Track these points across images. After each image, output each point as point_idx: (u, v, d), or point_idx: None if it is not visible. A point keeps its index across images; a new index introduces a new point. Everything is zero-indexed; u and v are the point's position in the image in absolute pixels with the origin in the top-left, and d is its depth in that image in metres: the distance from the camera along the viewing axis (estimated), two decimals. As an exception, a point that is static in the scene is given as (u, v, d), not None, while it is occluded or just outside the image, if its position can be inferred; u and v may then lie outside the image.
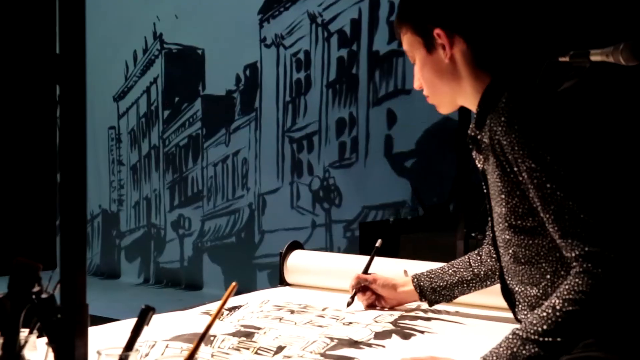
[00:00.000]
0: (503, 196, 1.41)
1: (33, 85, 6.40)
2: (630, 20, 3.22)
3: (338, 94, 5.49)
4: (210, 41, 6.22)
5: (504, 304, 1.90)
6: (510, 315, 1.86)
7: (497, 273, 1.74)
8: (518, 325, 1.33)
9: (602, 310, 1.25)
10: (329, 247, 5.42)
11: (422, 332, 1.69)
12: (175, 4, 6.41)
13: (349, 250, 5.19)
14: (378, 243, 2.06)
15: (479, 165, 1.55)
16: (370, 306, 1.92)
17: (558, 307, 1.26)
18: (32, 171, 6.55)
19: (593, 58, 1.84)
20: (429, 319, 1.82)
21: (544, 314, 1.27)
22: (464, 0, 1.46)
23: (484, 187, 1.54)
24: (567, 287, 1.27)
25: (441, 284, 1.82)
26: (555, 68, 1.93)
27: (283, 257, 2.28)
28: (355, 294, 1.91)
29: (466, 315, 1.86)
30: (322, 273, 2.21)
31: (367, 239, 3.95)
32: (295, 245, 2.32)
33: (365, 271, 1.99)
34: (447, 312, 1.88)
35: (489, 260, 1.77)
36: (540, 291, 1.42)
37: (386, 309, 1.91)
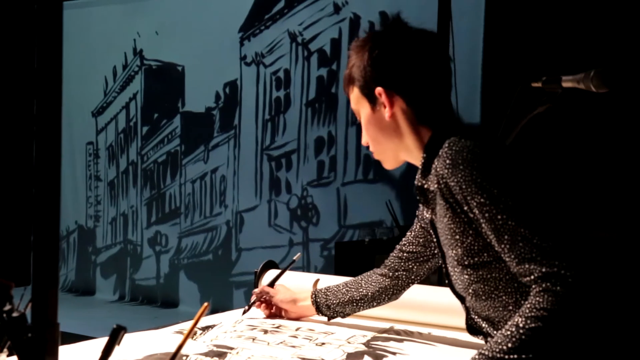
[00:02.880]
0: (457, 237, 1.47)
1: (9, 99, 6.36)
2: (601, 47, 3.28)
3: (317, 112, 5.51)
4: (190, 58, 6.22)
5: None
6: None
7: (384, 295, 1.89)
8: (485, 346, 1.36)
9: (564, 326, 1.29)
10: (306, 266, 5.42)
11: (394, 353, 1.70)
12: (156, 21, 6.42)
13: (325, 269, 5.19)
14: (296, 257, 2.22)
15: (427, 216, 1.63)
16: (272, 316, 2.05)
17: (521, 325, 1.30)
18: (7, 186, 6.49)
19: (565, 84, 1.88)
20: (401, 340, 1.83)
21: (508, 332, 1.32)
22: (403, 62, 1.54)
23: (434, 235, 1.61)
24: (528, 305, 1.31)
25: (335, 301, 1.94)
26: (529, 93, 1.97)
27: (258, 276, 2.28)
28: (252, 304, 2.07)
29: (438, 337, 1.88)
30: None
31: (343, 258, 3.96)
32: (270, 265, 2.33)
33: (273, 283, 2.13)
34: (420, 334, 1.90)
35: (380, 280, 1.89)
36: (506, 313, 1.47)
37: (287, 320, 2.02)
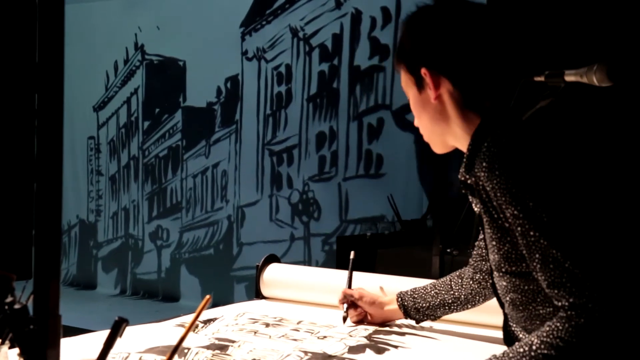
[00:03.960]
0: (494, 243, 1.39)
1: (11, 94, 6.36)
2: (604, 41, 3.27)
3: (319, 108, 5.51)
4: (191, 53, 6.22)
5: (478, 320, 1.92)
6: (484, 331, 1.88)
7: (478, 297, 1.77)
8: (497, 353, 1.31)
9: (576, 359, 1.22)
10: (307, 261, 5.42)
11: (395, 346, 1.70)
12: (157, 15, 6.41)
13: (326, 263, 5.20)
14: (352, 255, 2.07)
15: (475, 209, 1.51)
16: (359, 322, 1.92)
17: (534, 347, 1.24)
18: (9, 180, 6.50)
19: (567, 78, 1.87)
20: (403, 334, 1.83)
21: (521, 349, 1.26)
22: (450, 42, 1.44)
23: (482, 231, 1.51)
24: (547, 328, 1.24)
25: (424, 304, 1.83)
26: (531, 87, 1.96)
27: (259, 270, 2.28)
28: (348, 309, 1.91)
29: (440, 331, 1.87)
30: (298, 287, 2.21)
31: (344, 253, 3.95)
32: (272, 259, 2.32)
33: (349, 286, 1.99)
34: (422, 327, 1.89)
35: (470, 282, 1.77)
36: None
37: (369, 324, 1.91)
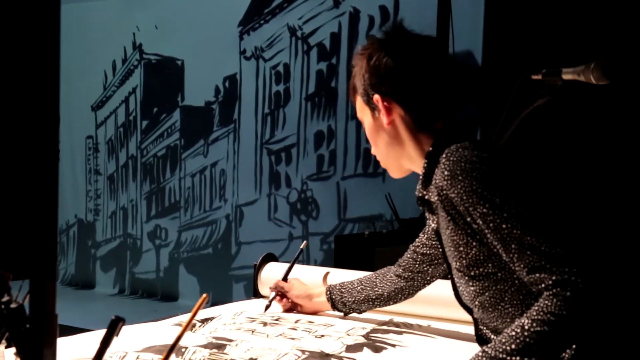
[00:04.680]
0: (461, 248, 1.45)
1: (6, 92, 6.35)
2: (602, 40, 3.27)
3: (317, 107, 5.51)
4: (189, 52, 6.21)
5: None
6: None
7: (400, 294, 1.87)
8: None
9: (570, 331, 1.27)
10: (306, 260, 5.41)
11: (393, 345, 1.70)
12: (155, 15, 6.41)
13: (325, 262, 5.19)
14: (303, 245, 2.21)
15: (432, 225, 1.61)
16: (288, 310, 2.05)
17: (527, 327, 1.28)
18: (4, 178, 6.49)
19: (565, 77, 1.87)
20: (400, 333, 1.83)
21: (513, 332, 1.29)
22: (399, 70, 1.53)
23: (440, 247, 1.58)
24: (536, 308, 1.29)
25: (350, 299, 1.94)
26: (528, 85, 1.96)
27: (257, 269, 2.28)
28: (272, 299, 2.06)
29: (438, 330, 1.88)
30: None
31: (343, 251, 3.96)
32: (270, 258, 2.33)
33: (285, 277, 2.12)
34: (419, 326, 1.90)
35: (396, 280, 1.86)
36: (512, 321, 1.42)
37: (300, 313, 2.02)
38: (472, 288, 1.47)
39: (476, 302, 1.48)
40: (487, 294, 1.45)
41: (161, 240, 6.39)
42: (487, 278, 1.43)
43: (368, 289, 1.91)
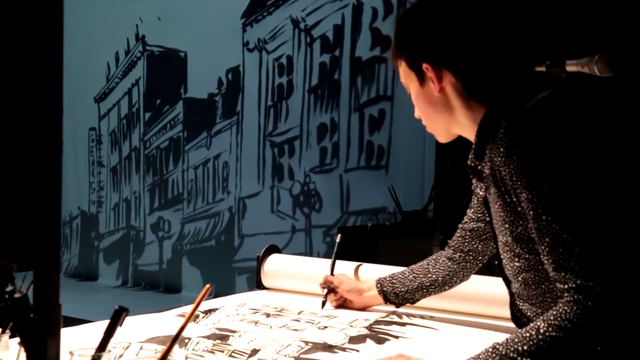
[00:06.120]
0: (507, 225, 1.41)
1: (10, 84, 6.36)
2: (606, 31, 3.26)
3: (320, 99, 5.50)
4: (192, 44, 6.21)
5: (478, 311, 1.92)
6: (484, 321, 1.88)
7: (455, 277, 1.82)
8: (500, 340, 1.31)
9: (585, 342, 1.23)
10: (309, 252, 5.42)
11: (396, 337, 1.70)
12: (158, 6, 6.40)
13: (328, 255, 5.18)
14: (338, 238, 2.14)
15: (480, 193, 1.55)
16: (340, 307, 1.99)
17: (542, 331, 1.25)
18: (8, 170, 6.50)
19: (569, 68, 1.86)
20: (403, 324, 1.83)
21: (527, 334, 1.27)
22: (449, 34, 1.45)
23: (487, 214, 1.53)
24: (554, 312, 1.26)
25: (402, 289, 1.88)
26: (532, 77, 1.95)
27: (260, 260, 2.28)
28: (326, 295, 2.00)
29: (441, 321, 1.88)
30: (299, 277, 2.22)
31: (346, 244, 3.95)
32: (273, 249, 2.33)
33: (331, 272, 2.07)
34: (422, 317, 1.90)
35: (449, 264, 1.82)
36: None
37: (350, 309, 1.97)
38: (516, 264, 1.43)
39: (519, 278, 1.44)
40: (532, 271, 1.41)
41: (164, 232, 6.40)
42: (533, 257, 1.40)
43: (421, 276, 1.86)
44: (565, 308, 1.24)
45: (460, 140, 1.60)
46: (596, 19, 3.33)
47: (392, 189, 4.24)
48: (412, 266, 1.90)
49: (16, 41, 0.92)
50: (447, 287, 1.85)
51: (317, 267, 2.22)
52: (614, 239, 1.28)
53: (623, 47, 3.21)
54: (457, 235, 1.80)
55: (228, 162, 6.01)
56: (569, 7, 3.47)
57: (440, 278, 1.83)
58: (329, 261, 2.28)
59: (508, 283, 1.53)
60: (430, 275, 1.85)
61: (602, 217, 1.29)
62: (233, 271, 5.87)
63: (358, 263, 2.14)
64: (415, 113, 1.60)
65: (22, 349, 0.91)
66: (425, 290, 1.86)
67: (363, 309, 1.97)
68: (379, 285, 1.92)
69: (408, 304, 1.91)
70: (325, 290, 2.00)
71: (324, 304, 1.99)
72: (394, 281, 1.90)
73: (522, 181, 1.32)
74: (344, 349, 1.57)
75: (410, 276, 1.88)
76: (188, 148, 6.28)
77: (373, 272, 2.06)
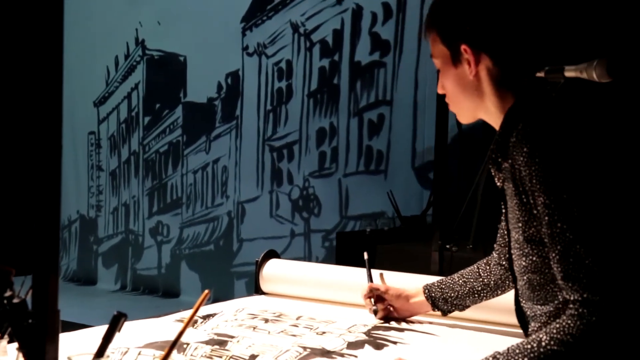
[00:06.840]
0: (520, 224, 1.39)
1: (10, 88, 6.35)
2: (604, 37, 3.26)
3: (319, 103, 5.50)
4: (192, 48, 6.21)
5: (477, 317, 1.92)
6: (483, 327, 1.88)
7: (507, 281, 1.75)
8: (500, 350, 1.30)
9: (585, 357, 1.22)
10: (308, 257, 5.42)
11: (394, 342, 1.70)
12: (158, 10, 6.40)
13: (327, 259, 5.19)
14: (365, 256, 2.06)
15: (498, 183, 1.53)
16: (385, 318, 1.90)
17: (543, 344, 1.24)
18: (8, 175, 6.50)
19: (567, 74, 1.87)
20: (402, 330, 1.83)
21: (529, 346, 1.26)
22: (493, 18, 1.43)
23: (503, 206, 1.51)
24: (557, 325, 1.25)
25: (452, 294, 1.81)
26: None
27: (259, 265, 2.28)
28: (376, 303, 1.90)
29: (439, 326, 1.88)
30: (297, 282, 2.21)
31: (344, 248, 3.96)
32: (272, 254, 2.33)
33: (371, 279, 1.98)
34: (420, 323, 1.90)
35: (498, 269, 1.76)
36: (552, 308, 1.38)
37: (395, 320, 1.90)
38: (524, 263, 1.42)
39: (524, 277, 1.43)
40: (537, 273, 1.39)
41: (163, 236, 6.39)
42: (541, 260, 1.38)
43: (472, 280, 1.79)
44: (569, 322, 1.23)
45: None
46: (594, 24, 3.33)
47: (390, 194, 4.24)
48: (461, 271, 1.84)
49: (17, 46, 0.93)
50: (499, 292, 1.78)
51: (314, 272, 2.22)
52: (626, 255, 1.27)
53: (621, 52, 3.21)
54: (499, 240, 1.74)
55: (227, 167, 6.01)
56: (568, 13, 3.47)
57: (492, 282, 1.77)
58: (328, 266, 2.28)
59: (515, 278, 1.51)
60: (481, 279, 1.78)
61: (616, 232, 1.28)
62: (232, 276, 5.87)
63: (380, 271, 2.03)
64: (438, 89, 1.57)
65: (21, 354, 0.91)
66: (477, 296, 1.79)
67: (409, 316, 1.91)
68: (426, 291, 1.85)
69: (457, 312, 1.84)
70: (374, 299, 1.90)
71: (376, 312, 1.89)
72: (443, 286, 1.83)
73: (541, 185, 1.29)
74: (342, 355, 1.57)
75: (460, 281, 1.81)
76: (187, 152, 6.28)
77: (398, 281, 1.98)
